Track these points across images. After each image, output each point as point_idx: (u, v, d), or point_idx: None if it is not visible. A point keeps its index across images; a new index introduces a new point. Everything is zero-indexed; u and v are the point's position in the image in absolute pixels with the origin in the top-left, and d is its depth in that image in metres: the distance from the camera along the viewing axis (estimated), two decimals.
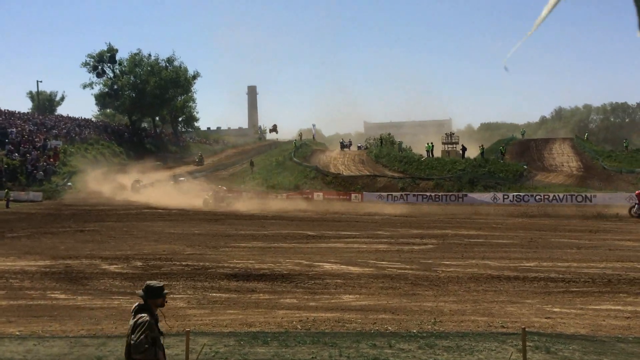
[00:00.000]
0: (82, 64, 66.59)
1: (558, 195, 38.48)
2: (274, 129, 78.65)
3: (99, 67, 66.86)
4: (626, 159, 50.01)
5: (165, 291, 5.19)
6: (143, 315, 4.96)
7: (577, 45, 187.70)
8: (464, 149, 53.79)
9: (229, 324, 9.71)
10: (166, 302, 5.22)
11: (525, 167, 48.28)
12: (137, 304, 5.11)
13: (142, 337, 4.84)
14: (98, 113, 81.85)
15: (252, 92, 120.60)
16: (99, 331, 9.37)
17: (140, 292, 5.11)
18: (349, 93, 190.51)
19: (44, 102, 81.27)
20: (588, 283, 12.96)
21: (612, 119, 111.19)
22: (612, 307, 10.87)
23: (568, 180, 45.69)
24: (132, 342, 4.86)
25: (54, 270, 14.56)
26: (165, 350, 5.21)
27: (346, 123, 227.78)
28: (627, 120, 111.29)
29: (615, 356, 7.84)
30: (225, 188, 39.43)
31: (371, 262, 15.77)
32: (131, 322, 4.98)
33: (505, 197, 39.70)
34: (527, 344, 7.40)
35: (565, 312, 10.50)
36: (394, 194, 42.35)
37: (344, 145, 65.46)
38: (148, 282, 5.25)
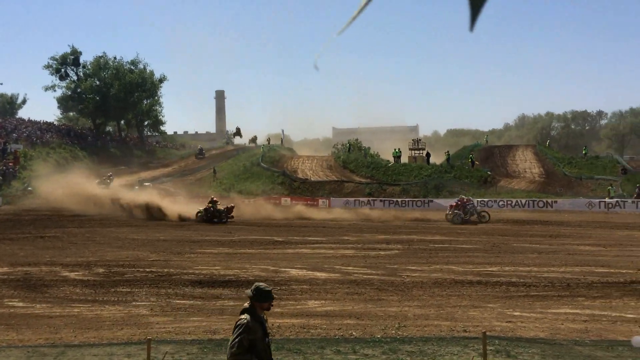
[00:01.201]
0: (44, 67, 65.10)
1: (520, 201, 39.34)
2: (238, 132, 77.81)
3: (62, 69, 65.44)
4: (586, 165, 51.47)
5: (274, 296, 5.19)
6: (242, 317, 4.98)
7: (539, 54, 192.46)
8: (428, 154, 54.63)
9: (192, 332, 9.61)
10: (272, 306, 5.19)
11: (489, 173, 49.20)
12: (245, 305, 5.10)
13: (237, 339, 4.85)
14: (61, 116, 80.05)
15: (219, 96, 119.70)
16: (58, 340, 9.15)
17: (248, 292, 5.11)
18: (317, 99, 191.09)
19: (5, 105, 78.96)
20: (548, 287, 13.27)
21: (572, 127, 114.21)
22: (571, 311, 11.15)
23: (530, 186, 46.75)
24: (229, 344, 4.89)
25: (12, 277, 14.16)
26: None
27: (315, 128, 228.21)
28: (587, 127, 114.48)
29: (573, 359, 8.04)
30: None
31: (337, 267, 15.82)
32: (236, 320, 5.03)
33: None
34: (488, 347, 7.54)
35: (526, 316, 10.72)
36: (361, 199, 42.61)
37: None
38: (257, 283, 5.21)
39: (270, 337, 5.26)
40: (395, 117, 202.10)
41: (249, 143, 74.14)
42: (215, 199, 30.42)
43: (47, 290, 12.90)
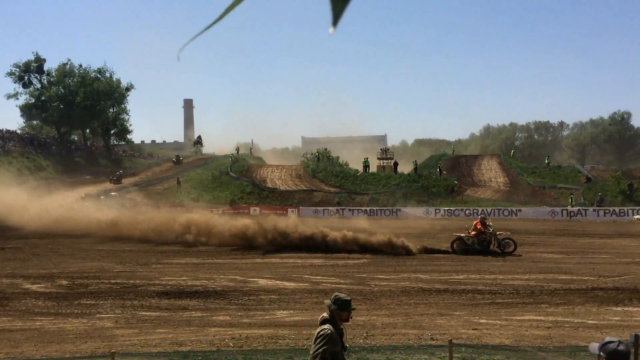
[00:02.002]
0: (6, 74, 63.59)
1: (486, 210, 39.96)
2: (198, 141, 76.97)
3: (26, 77, 64.01)
4: (549, 175, 52.72)
5: (353, 307, 5.06)
6: (325, 327, 4.84)
7: (503, 67, 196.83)
8: (396, 164, 55.24)
9: (158, 344, 9.46)
10: (351, 317, 5.08)
11: (456, 182, 49.93)
12: (322, 315, 4.96)
13: (319, 350, 4.71)
14: (24, 125, 78.17)
15: (188, 105, 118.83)
16: (19, 354, 8.90)
17: (328, 302, 5.00)
18: (286, 108, 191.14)
19: None
20: (513, 294, 13.51)
21: (535, 137, 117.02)
22: (535, 318, 11.37)
23: (496, 195, 47.61)
24: (311, 353, 4.76)
25: None
26: None
27: (284, 137, 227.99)
28: (549, 138, 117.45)
29: None
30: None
31: (306, 277, 15.81)
32: (314, 332, 4.87)
33: (437, 211, 40.89)
34: (454, 355, 7.64)
35: (492, 323, 10.89)
36: (330, 208, 42.72)
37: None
38: (337, 293, 5.08)
39: (347, 350, 5.19)
40: (363, 127, 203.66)
41: (193, 145, 73.67)
42: (486, 219, 21.72)
43: (8, 304, 12.55)
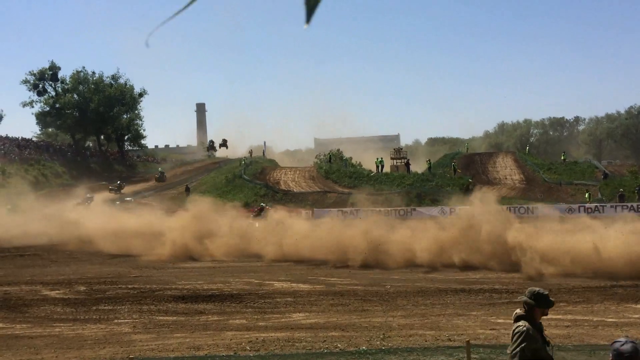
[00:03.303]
0: (22, 82, 64.40)
1: (502, 208, 39.64)
2: (224, 143, 77.31)
3: (40, 85, 64.78)
4: (565, 171, 52.19)
5: (552, 300, 4.91)
6: (520, 324, 4.70)
7: (517, 62, 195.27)
8: (408, 163, 55.06)
9: (175, 348, 9.50)
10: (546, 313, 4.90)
11: (470, 180, 49.61)
12: (515, 312, 4.85)
13: (517, 348, 4.59)
14: (39, 132, 79.13)
15: (200, 109, 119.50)
16: None
17: (525, 298, 4.81)
18: (298, 109, 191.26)
19: None
20: None
21: (550, 133, 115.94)
22: (553, 317, 11.23)
23: (511, 192, 47.23)
24: (508, 352, 4.66)
25: None
26: None
27: (297, 139, 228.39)
28: (565, 133, 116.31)
29: None
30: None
31: (321, 279, 15.81)
32: (512, 328, 4.77)
33: (452, 210, 40.63)
34: (472, 356, 7.58)
35: (509, 323, 10.72)
36: (344, 209, 42.64)
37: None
38: (533, 288, 4.89)
39: (551, 345, 5.01)
40: (376, 127, 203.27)
41: (219, 147, 73.78)
42: None
43: (28, 310, 12.69)
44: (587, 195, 41.58)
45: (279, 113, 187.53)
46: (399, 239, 19.64)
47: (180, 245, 21.10)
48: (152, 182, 57.95)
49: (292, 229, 22.21)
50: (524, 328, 4.65)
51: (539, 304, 4.77)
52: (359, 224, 22.72)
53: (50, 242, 25.15)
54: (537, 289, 4.87)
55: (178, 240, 21.45)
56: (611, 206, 38.53)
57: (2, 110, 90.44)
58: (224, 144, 76.39)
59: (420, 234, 19.86)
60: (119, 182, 50.53)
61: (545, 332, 4.86)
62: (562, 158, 58.87)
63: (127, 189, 52.90)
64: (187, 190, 51.25)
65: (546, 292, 4.83)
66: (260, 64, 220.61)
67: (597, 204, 39.23)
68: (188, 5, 0.96)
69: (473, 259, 17.24)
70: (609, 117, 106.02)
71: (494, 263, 16.83)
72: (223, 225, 23.19)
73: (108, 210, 35.57)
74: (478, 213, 20.16)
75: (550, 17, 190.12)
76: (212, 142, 78.06)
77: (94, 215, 31.51)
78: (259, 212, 36.82)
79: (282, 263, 19.08)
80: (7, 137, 64.27)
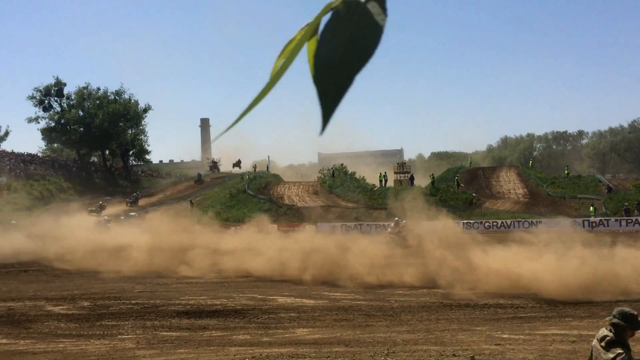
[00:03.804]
0: (28, 98, 64.92)
1: (506, 222, 39.60)
2: (215, 165, 77.65)
3: (46, 101, 65.30)
4: (568, 185, 52.11)
5: None
6: (620, 352, 4.41)
7: (519, 76, 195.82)
8: (412, 177, 55.16)
9: None
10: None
11: (474, 194, 49.59)
12: (602, 332, 4.61)
13: None
14: (45, 148, 79.60)
15: (204, 124, 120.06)
16: None
17: (614, 319, 4.56)
18: (302, 124, 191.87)
19: None
20: (535, 308, 13.33)
21: (554, 147, 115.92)
22: (559, 332, 11.19)
23: (515, 206, 47.18)
24: None
25: None
26: None
27: (300, 154, 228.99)
28: (568, 147, 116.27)
29: None
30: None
31: (325, 293, 15.77)
32: (604, 357, 4.48)
33: (456, 224, 40.56)
34: None
35: (514, 338, 10.74)
36: (348, 224, 42.62)
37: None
38: (622, 309, 4.67)
39: None
40: (379, 142, 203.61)
41: (233, 167, 73.98)
42: None
43: (31, 326, 12.69)
44: (591, 209, 41.47)
45: (282, 128, 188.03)
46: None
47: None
48: (155, 198, 58.19)
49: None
50: (626, 357, 4.41)
51: (631, 325, 4.55)
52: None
53: (34, 258, 25.10)
54: (626, 309, 4.68)
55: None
56: (615, 220, 38.42)
57: (8, 126, 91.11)
58: (215, 165, 76.70)
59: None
60: (136, 193, 51.83)
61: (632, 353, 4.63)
62: (566, 172, 58.82)
63: (131, 207, 53.02)
64: (192, 204, 51.59)
65: (635, 313, 4.61)
66: (263, 79, 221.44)
67: (602, 218, 39.13)
68: (243, 114, 1.02)
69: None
70: (612, 131, 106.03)
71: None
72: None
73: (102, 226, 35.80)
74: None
75: (553, 31, 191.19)
76: (214, 161, 78.41)
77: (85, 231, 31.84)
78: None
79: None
80: (12, 153, 64.72)
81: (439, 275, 16.34)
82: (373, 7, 0.91)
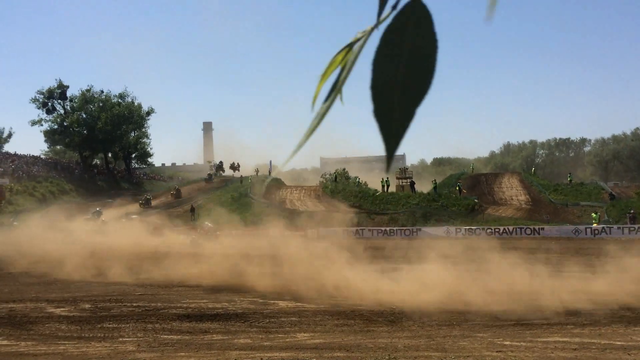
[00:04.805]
0: (31, 100, 65.12)
1: (508, 228, 39.53)
2: (220, 166, 77.72)
3: (49, 103, 65.51)
4: (571, 192, 52.06)
5: None
6: None
7: (522, 83, 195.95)
8: (412, 183, 55.11)
9: None
10: None
11: (476, 201, 49.53)
12: None
13: None
14: (47, 150, 79.84)
15: (207, 128, 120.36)
16: None
17: None
18: (303, 128, 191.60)
19: None
20: (537, 315, 13.28)
21: (556, 154, 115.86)
22: (560, 339, 11.15)
23: (517, 213, 47.10)
24: None
25: None
26: None
27: (303, 158, 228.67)
28: (571, 154, 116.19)
29: None
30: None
31: (326, 298, 15.73)
32: None
33: (458, 230, 40.51)
34: None
35: (516, 345, 10.70)
36: (349, 228, 42.59)
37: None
38: None
39: None
40: (381, 147, 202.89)
41: (233, 171, 74.13)
42: None
43: (32, 328, 12.69)
44: (594, 215, 41.38)
45: (285, 132, 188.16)
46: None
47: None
48: (158, 200, 58.24)
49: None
50: None
51: None
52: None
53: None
54: None
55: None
56: (618, 228, 38.33)
57: (11, 128, 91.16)
58: (220, 166, 76.84)
59: None
60: (148, 195, 52.95)
61: None
62: (569, 179, 58.76)
63: (134, 207, 53.08)
64: (192, 210, 51.38)
65: None
66: (266, 83, 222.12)
67: (605, 226, 39.04)
68: (308, 136, 1.01)
69: None
70: (615, 139, 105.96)
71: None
72: None
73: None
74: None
75: (557, 37, 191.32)
76: (216, 164, 78.49)
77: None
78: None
79: None
80: (15, 155, 64.88)
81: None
82: (425, 33, 0.86)
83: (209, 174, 69.69)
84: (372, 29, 0.89)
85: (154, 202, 56.49)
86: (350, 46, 0.92)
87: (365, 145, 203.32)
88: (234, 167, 74.99)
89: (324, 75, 0.93)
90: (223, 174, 76.02)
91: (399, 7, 0.87)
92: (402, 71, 0.85)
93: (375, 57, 0.88)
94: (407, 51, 0.85)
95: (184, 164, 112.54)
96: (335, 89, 0.93)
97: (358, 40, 0.91)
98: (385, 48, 0.86)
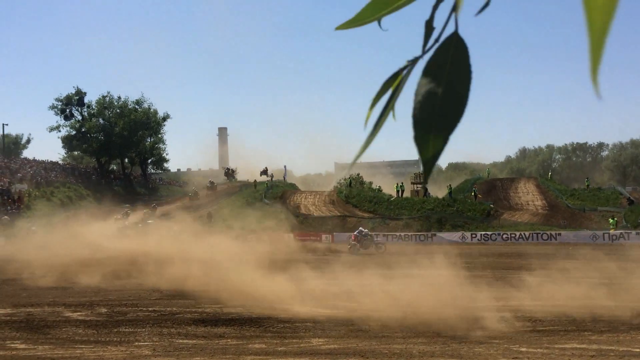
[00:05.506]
0: (49, 107, 66.08)
1: (524, 234, 39.20)
2: (232, 173, 78.12)
3: (67, 110, 66.40)
4: (588, 197, 51.50)
5: None
6: None
7: (538, 87, 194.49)
8: (425, 188, 54.92)
9: None
10: None
11: (492, 206, 49.18)
12: None
13: None
14: (65, 156, 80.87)
15: (222, 133, 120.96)
16: None
17: None
18: (317, 133, 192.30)
19: (10, 145, 79.85)
20: (554, 321, 13.14)
21: (573, 159, 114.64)
22: (578, 346, 11.02)
23: (533, 218, 46.68)
24: None
25: (15, 319, 14.11)
26: None
27: (317, 163, 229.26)
28: (588, 159, 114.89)
29: None
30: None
31: (341, 304, 15.71)
32: None
33: (473, 236, 40.26)
34: None
35: (532, 352, 10.60)
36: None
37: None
38: None
39: None
40: (396, 152, 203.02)
41: (261, 175, 74.14)
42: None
43: (50, 332, 12.83)
44: (611, 221, 40.87)
45: (299, 137, 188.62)
46: None
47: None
48: (174, 205, 58.67)
49: None
50: None
51: None
52: None
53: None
54: None
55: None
56: (637, 233, 37.81)
57: (30, 134, 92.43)
58: (231, 173, 77.25)
59: None
60: (154, 204, 53.97)
61: None
62: (586, 184, 58.11)
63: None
64: (209, 217, 51.48)
65: None
66: (281, 89, 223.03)
67: (622, 231, 38.54)
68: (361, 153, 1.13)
69: None
70: (633, 143, 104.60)
71: None
72: None
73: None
74: None
75: (574, 41, 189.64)
76: (229, 169, 79.03)
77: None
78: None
79: None
80: (34, 160, 65.77)
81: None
82: (462, 66, 0.95)
83: (210, 181, 69.94)
84: (418, 59, 0.99)
85: (168, 208, 57.01)
86: (399, 73, 1.03)
87: (381, 151, 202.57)
88: (264, 172, 75.09)
89: (375, 99, 1.06)
90: (235, 180, 76.29)
91: (441, 40, 0.97)
92: (440, 102, 0.96)
93: (417, 87, 0.98)
94: (445, 83, 0.95)
95: (200, 169, 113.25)
96: (389, 107, 1.06)
97: (406, 67, 1.02)
98: (426, 79, 0.97)
